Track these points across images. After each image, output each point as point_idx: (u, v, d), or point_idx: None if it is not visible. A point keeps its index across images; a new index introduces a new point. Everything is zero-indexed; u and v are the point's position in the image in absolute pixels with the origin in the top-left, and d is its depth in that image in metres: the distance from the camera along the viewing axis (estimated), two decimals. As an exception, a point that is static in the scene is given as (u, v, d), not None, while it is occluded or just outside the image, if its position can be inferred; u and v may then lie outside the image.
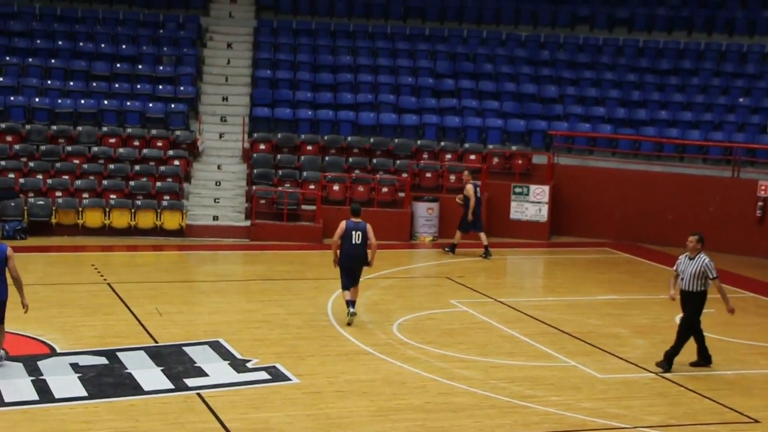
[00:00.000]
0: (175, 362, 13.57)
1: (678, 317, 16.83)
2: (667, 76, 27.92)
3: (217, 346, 14.42)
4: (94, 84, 26.13)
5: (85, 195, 23.23)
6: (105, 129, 25.11)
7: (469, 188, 22.19)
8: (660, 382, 13.73)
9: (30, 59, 26.42)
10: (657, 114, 26.69)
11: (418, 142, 26.00)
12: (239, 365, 13.60)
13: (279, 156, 25.24)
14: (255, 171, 24.53)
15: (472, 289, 19.05)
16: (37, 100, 25.28)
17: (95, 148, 24.55)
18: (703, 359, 14.36)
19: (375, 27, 29.18)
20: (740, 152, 24.63)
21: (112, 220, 22.90)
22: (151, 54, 27.21)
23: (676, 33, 29.20)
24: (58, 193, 23.15)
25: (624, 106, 27.06)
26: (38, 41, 27.03)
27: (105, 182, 23.66)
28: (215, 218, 23.85)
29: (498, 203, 24.69)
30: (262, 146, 25.41)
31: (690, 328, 14.03)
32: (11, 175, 23.41)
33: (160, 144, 25.02)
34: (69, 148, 24.41)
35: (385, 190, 24.34)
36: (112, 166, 24.08)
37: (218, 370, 13.36)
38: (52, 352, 13.89)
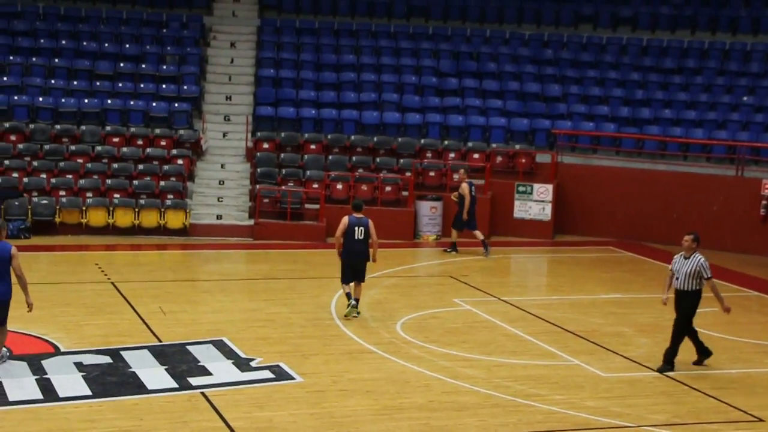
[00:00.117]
0: (178, 361, 13.58)
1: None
2: (671, 74, 27.90)
3: (220, 345, 14.43)
4: (98, 83, 26.15)
5: (89, 194, 23.25)
6: (108, 128, 25.13)
7: (465, 187, 22.21)
8: (664, 381, 13.72)
9: (33, 58, 26.44)
10: (661, 113, 26.67)
11: (422, 141, 25.99)
12: (243, 364, 13.61)
13: (282, 155, 25.25)
14: (258, 170, 24.54)
15: (475, 287, 19.05)
16: (40, 99, 25.31)
17: (99, 148, 24.57)
18: (703, 353, 14.32)
19: (378, 26, 29.18)
20: (744, 151, 24.61)
21: (116, 219, 22.92)
22: (155, 53, 27.23)
23: (679, 32, 29.17)
24: (62, 193, 23.17)
25: (628, 105, 27.04)
26: (42, 40, 27.06)
27: (108, 181, 23.68)
28: (219, 217, 23.86)
29: (501, 202, 24.69)
30: (266, 145, 25.42)
31: (684, 327, 13.98)
32: (15, 175, 23.43)
33: (163, 143, 25.03)
34: (72, 148, 24.43)
35: (388, 189, 24.34)
36: (115, 166, 24.10)
37: (222, 369, 13.37)
38: (56, 351, 13.90)
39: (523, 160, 25.46)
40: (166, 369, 13.24)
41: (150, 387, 12.53)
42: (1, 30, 27.08)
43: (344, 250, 16.09)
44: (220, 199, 24.32)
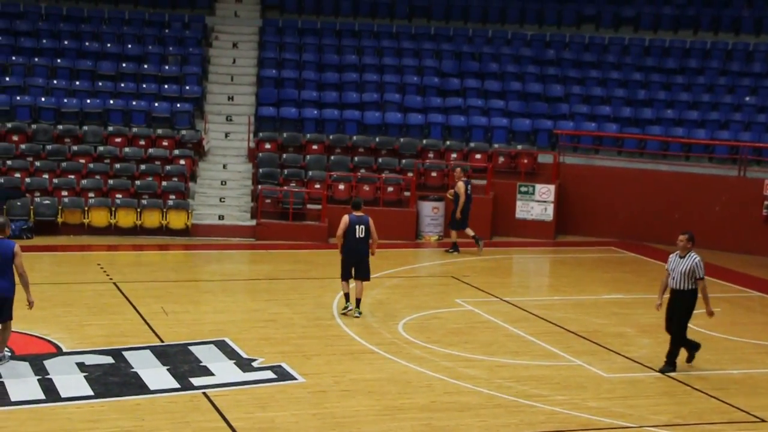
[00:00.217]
0: (180, 361, 13.58)
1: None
2: (673, 75, 27.89)
3: (222, 346, 14.42)
4: (100, 83, 26.16)
5: (91, 194, 23.26)
6: (111, 128, 25.14)
7: (461, 186, 22.25)
8: (666, 382, 13.71)
9: (36, 59, 26.46)
10: (663, 113, 26.66)
11: (424, 141, 25.99)
12: (245, 364, 13.61)
13: (284, 155, 25.25)
14: (260, 170, 24.55)
15: (477, 288, 19.05)
16: (43, 99, 25.33)
17: (101, 148, 24.59)
18: (692, 348, 14.18)
19: (380, 26, 29.18)
20: (746, 151, 24.59)
21: (118, 219, 22.93)
22: (157, 53, 27.24)
23: (682, 32, 29.16)
24: (64, 193, 23.19)
25: (630, 105, 27.03)
26: (44, 41, 27.08)
27: (111, 182, 23.69)
28: (221, 217, 23.87)
29: (503, 202, 24.68)
30: (268, 145, 25.43)
31: (685, 327, 13.95)
32: (17, 175, 23.45)
33: (165, 143, 25.04)
34: (75, 148, 24.45)
35: (390, 189, 24.34)
36: (117, 166, 24.12)
37: (224, 370, 13.37)
38: (59, 352, 13.90)
39: (525, 161, 25.45)
40: (168, 369, 13.24)
41: (152, 387, 12.53)
42: (4, 30, 27.11)
43: (345, 248, 16.18)
44: (222, 200, 24.32)
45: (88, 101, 25.52)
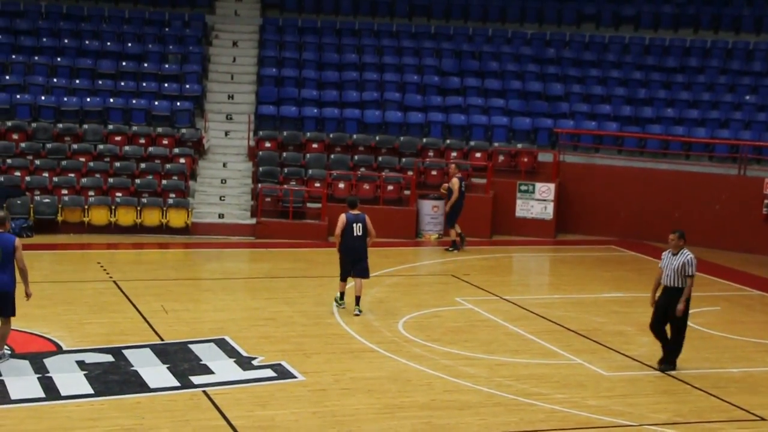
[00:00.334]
0: (180, 360, 13.58)
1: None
2: (674, 73, 27.88)
3: (222, 344, 14.43)
4: (100, 82, 26.16)
5: (91, 193, 23.27)
6: (111, 127, 25.14)
7: (455, 182, 22.34)
8: (666, 380, 13.71)
9: (36, 57, 26.45)
10: (663, 112, 26.65)
11: (424, 140, 25.99)
12: (245, 363, 13.62)
13: (284, 154, 25.25)
14: (260, 169, 24.55)
15: (477, 286, 19.05)
16: (42, 98, 25.32)
17: (101, 146, 24.58)
18: (672, 351, 14.07)
19: (380, 25, 29.17)
20: (747, 150, 24.59)
21: (118, 217, 22.93)
22: (157, 52, 27.24)
23: (682, 31, 29.15)
24: (64, 191, 23.19)
25: (630, 104, 27.02)
26: (44, 39, 27.07)
27: (111, 180, 23.69)
28: (221, 216, 23.87)
29: (503, 201, 24.68)
30: (268, 144, 25.43)
31: (683, 325, 13.93)
32: (17, 173, 23.45)
33: (165, 142, 25.04)
34: (75, 146, 24.45)
35: (390, 188, 24.34)
36: (117, 164, 24.11)
37: (224, 368, 13.37)
38: (59, 350, 13.91)
39: (525, 159, 25.45)
40: (168, 367, 13.24)
41: (152, 385, 12.54)
42: (4, 29, 27.10)
43: (343, 246, 16.26)
44: (222, 198, 24.33)
45: (88, 100, 25.52)
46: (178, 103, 25.87)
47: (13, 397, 11.94)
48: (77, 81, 26.06)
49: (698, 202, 24.22)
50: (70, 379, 12.61)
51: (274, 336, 15.10)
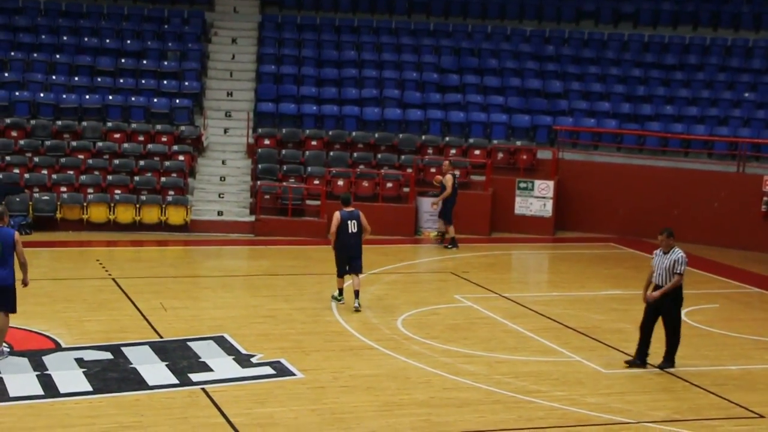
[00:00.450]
0: (179, 357, 13.58)
1: (683, 312, 16.86)
2: (673, 71, 27.88)
3: (221, 341, 14.43)
4: (99, 79, 26.15)
5: (90, 190, 23.26)
6: (110, 124, 25.13)
7: (449, 178, 22.45)
8: (664, 378, 13.72)
9: (35, 54, 26.44)
10: (662, 109, 26.65)
11: (423, 137, 25.99)
12: (244, 360, 13.62)
13: (283, 151, 25.25)
14: (259, 166, 24.54)
15: (476, 284, 19.05)
16: (41, 95, 25.31)
17: (100, 144, 24.57)
18: (640, 358, 13.98)
19: (379, 22, 29.17)
20: (745, 147, 24.59)
21: (117, 215, 22.93)
22: (156, 49, 27.23)
23: (681, 28, 29.14)
24: (63, 188, 23.18)
25: (629, 101, 27.02)
26: (43, 36, 27.06)
27: (110, 177, 23.69)
28: (220, 213, 23.87)
29: (502, 198, 24.67)
30: (267, 141, 25.42)
31: (678, 323, 13.92)
32: (16, 171, 23.45)
33: (164, 139, 25.03)
34: (74, 144, 24.44)
35: (389, 185, 24.34)
36: (116, 162, 24.11)
37: (223, 365, 13.37)
38: (57, 347, 13.91)
39: (524, 157, 25.45)
40: (166, 365, 13.25)
41: (151, 383, 12.54)
42: (3, 26, 27.10)
43: (339, 243, 16.36)
44: (221, 196, 24.32)
45: (87, 97, 25.50)
46: (177, 101, 25.86)
47: (11, 394, 11.94)
48: (76, 78, 26.05)
49: (697, 199, 24.23)
50: (68, 376, 12.61)
51: (273, 333, 15.10)
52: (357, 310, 16.29)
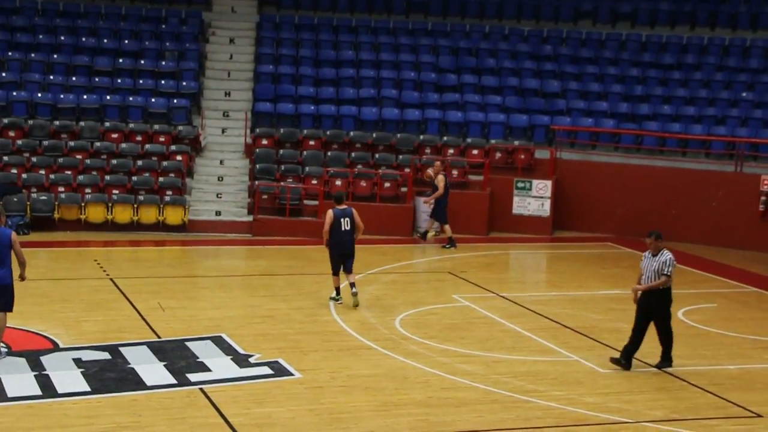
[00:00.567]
0: (177, 357, 13.58)
1: (681, 312, 16.90)
2: (670, 70, 27.90)
3: (219, 341, 14.43)
4: (97, 79, 26.13)
5: (88, 190, 23.25)
6: (107, 124, 25.12)
7: (441, 179, 22.51)
8: (662, 377, 13.73)
9: (32, 54, 26.43)
10: (660, 109, 26.66)
11: (421, 137, 25.99)
12: (242, 360, 13.62)
13: (281, 151, 25.24)
14: (257, 166, 24.53)
15: (474, 283, 19.05)
16: (39, 95, 25.29)
17: (98, 144, 24.56)
18: (625, 358, 13.93)
19: (377, 22, 29.17)
20: (743, 147, 24.61)
21: (115, 215, 22.92)
22: (154, 49, 27.21)
23: (679, 27, 29.16)
24: (61, 189, 23.17)
25: (627, 101, 27.03)
26: (40, 36, 27.04)
27: (107, 177, 23.68)
28: (218, 213, 23.86)
29: (500, 198, 24.68)
30: (265, 141, 25.42)
31: (668, 324, 13.90)
32: (14, 171, 23.43)
33: (162, 139, 25.02)
34: (71, 144, 24.42)
35: (387, 185, 24.34)
36: (114, 162, 24.09)
37: (221, 365, 13.37)
38: (55, 347, 13.91)
39: (522, 156, 25.46)
40: (164, 365, 13.24)
41: (149, 383, 12.53)
42: (0, 26, 27.06)
43: (332, 241, 16.49)
44: (219, 195, 24.32)
45: (85, 97, 25.49)
46: (175, 101, 25.85)
47: (9, 394, 11.94)
48: (74, 78, 26.03)
49: (695, 199, 24.24)
50: (66, 376, 12.61)
51: (270, 333, 15.10)
52: (354, 295, 16.45)
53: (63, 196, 22.96)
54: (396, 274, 19.92)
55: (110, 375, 12.75)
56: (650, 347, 14.65)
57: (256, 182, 23.95)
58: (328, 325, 15.68)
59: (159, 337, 14.61)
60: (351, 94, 26.84)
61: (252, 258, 22.02)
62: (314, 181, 24.21)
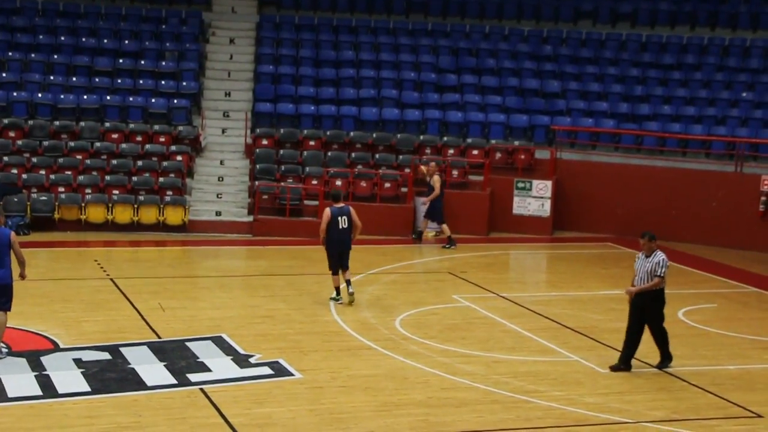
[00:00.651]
0: (178, 357, 13.58)
1: (681, 312, 16.91)
2: (670, 70, 27.90)
3: (219, 342, 14.43)
4: (97, 79, 26.14)
5: (88, 190, 23.25)
6: (108, 124, 25.12)
7: (437, 179, 22.62)
8: (663, 377, 13.73)
9: (32, 55, 26.43)
10: (660, 109, 26.66)
11: (421, 137, 25.99)
12: (242, 360, 13.62)
13: (281, 151, 25.24)
14: (257, 166, 24.53)
15: (474, 284, 19.05)
16: (39, 95, 25.30)
17: (98, 144, 24.56)
18: (625, 364, 13.89)
19: (377, 22, 29.17)
20: (743, 147, 24.61)
21: (115, 215, 22.92)
22: (154, 49, 27.22)
23: (679, 28, 29.16)
24: (61, 189, 23.17)
25: (627, 101, 27.03)
26: (41, 37, 27.04)
27: (108, 178, 23.68)
28: (218, 213, 23.86)
29: (500, 198, 24.68)
30: (265, 141, 25.42)
31: (661, 324, 13.89)
32: (14, 171, 23.43)
33: (162, 139, 25.02)
34: (72, 144, 24.42)
35: (387, 185, 24.34)
36: (114, 162, 24.09)
37: (221, 366, 13.37)
38: (56, 348, 13.91)
39: (522, 157, 25.46)
40: (165, 365, 13.24)
41: (149, 383, 12.54)
42: (0, 26, 27.07)
43: (329, 239, 16.52)
44: (219, 196, 24.32)
45: (85, 97, 25.49)
46: (175, 101, 25.85)
47: (10, 395, 11.94)
48: (74, 78, 26.04)
49: (695, 199, 24.23)
50: (67, 376, 12.61)
51: (271, 334, 15.10)
52: (351, 294, 16.51)
53: (63, 196, 22.96)
54: (396, 274, 19.93)
55: (111, 375, 12.75)
56: (650, 347, 14.65)
57: (257, 182, 23.95)
58: (329, 326, 15.68)
59: (159, 338, 14.62)
60: (351, 94, 26.84)
61: (252, 258, 22.02)
62: (314, 182, 24.21)
